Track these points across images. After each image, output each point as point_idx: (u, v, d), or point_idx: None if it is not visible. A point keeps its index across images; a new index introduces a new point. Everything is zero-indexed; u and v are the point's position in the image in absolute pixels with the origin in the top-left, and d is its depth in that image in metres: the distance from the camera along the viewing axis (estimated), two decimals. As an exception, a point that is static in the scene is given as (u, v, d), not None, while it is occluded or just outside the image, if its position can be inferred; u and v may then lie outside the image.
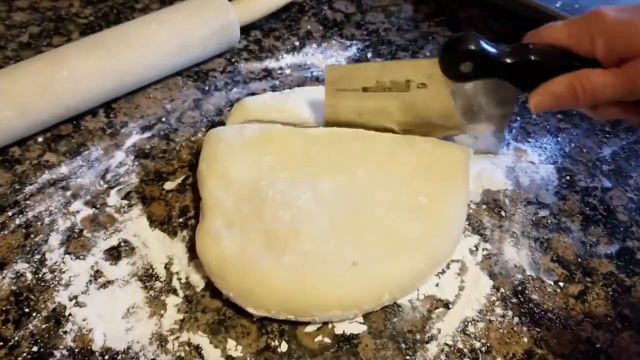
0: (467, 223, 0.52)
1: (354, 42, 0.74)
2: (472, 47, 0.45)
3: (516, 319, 0.46)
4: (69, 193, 0.55)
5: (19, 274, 0.48)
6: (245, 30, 0.72)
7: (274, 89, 0.67)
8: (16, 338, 0.44)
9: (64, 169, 0.57)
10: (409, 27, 0.77)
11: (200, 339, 0.44)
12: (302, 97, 0.57)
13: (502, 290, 0.48)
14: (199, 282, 0.47)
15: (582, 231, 0.52)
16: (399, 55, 0.72)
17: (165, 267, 0.48)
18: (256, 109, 0.56)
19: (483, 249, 0.51)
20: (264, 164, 0.51)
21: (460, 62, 0.46)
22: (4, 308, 0.46)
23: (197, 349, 0.43)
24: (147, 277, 0.48)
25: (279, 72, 0.69)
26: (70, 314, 0.45)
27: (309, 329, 0.45)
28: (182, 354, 0.43)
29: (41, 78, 0.58)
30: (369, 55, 0.72)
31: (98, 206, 0.54)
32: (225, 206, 0.48)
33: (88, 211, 0.53)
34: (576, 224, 0.53)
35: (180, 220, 0.52)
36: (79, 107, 0.61)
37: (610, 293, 0.48)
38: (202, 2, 0.68)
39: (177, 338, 0.44)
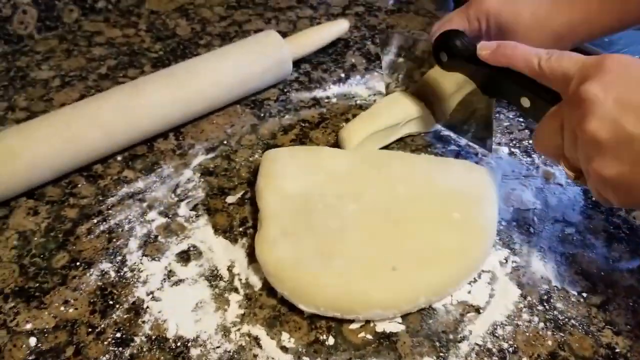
0: (497, 238, 0.57)
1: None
2: (446, 41, 0.57)
3: (541, 324, 0.50)
4: (145, 204, 0.63)
5: (103, 272, 0.56)
6: (297, 63, 0.80)
7: (321, 115, 0.74)
8: (102, 325, 0.51)
9: (140, 184, 0.66)
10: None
11: (259, 331, 0.50)
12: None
13: (529, 298, 0.52)
14: (257, 283, 0.54)
15: (606, 247, 0.56)
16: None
17: (227, 269, 0.55)
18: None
19: (512, 262, 0.55)
20: (314, 180, 0.58)
21: (438, 52, 0.59)
22: (92, 300, 0.53)
23: (256, 339, 0.49)
24: (212, 277, 0.55)
25: (326, 100, 0.77)
26: (147, 307, 0.53)
27: (353, 326, 0.50)
28: (243, 343, 0.49)
29: (122, 106, 0.68)
30: (408, 85, 0.79)
31: (170, 216, 0.62)
32: (281, 216, 0.55)
33: (162, 220, 0.61)
34: (600, 241, 0.57)
35: (241, 229, 0.60)
36: (153, 131, 0.70)
37: (631, 304, 0.51)
38: (259, 39, 0.77)
39: (239, 330, 0.50)
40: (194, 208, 0.62)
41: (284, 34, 0.80)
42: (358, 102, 0.76)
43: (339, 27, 0.84)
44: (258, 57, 0.75)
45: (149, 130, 0.69)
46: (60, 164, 0.65)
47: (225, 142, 0.71)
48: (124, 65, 0.85)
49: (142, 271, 0.56)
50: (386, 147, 0.67)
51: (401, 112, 0.65)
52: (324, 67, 0.83)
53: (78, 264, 0.57)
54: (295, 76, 0.81)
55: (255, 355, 0.48)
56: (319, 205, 0.55)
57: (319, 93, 0.78)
